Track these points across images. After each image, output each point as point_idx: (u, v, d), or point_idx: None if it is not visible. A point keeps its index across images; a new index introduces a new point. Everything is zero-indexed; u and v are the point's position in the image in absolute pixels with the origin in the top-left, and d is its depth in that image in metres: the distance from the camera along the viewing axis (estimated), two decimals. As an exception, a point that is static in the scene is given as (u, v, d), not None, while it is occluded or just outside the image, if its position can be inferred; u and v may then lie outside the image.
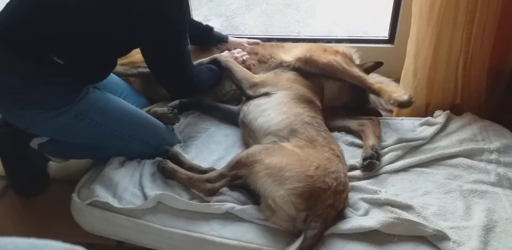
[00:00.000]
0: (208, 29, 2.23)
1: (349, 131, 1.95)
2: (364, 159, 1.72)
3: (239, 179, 1.54)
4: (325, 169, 1.48)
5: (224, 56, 2.04)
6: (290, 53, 2.06)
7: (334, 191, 1.45)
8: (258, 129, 1.74)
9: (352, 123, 1.95)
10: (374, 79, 1.98)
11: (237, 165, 1.53)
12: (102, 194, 1.61)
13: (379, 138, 1.84)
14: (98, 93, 1.73)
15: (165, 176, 1.68)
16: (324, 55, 1.99)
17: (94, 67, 1.70)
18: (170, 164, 1.68)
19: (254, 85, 1.91)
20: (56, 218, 1.72)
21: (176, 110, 1.98)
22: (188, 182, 1.62)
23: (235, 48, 2.18)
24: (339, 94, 2.05)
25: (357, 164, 1.75)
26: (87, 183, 1.71)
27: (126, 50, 1.81)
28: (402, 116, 2.06)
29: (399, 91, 1.83)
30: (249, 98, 1.88)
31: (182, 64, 1.76)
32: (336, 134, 1.92)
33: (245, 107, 1.88)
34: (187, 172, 1.65)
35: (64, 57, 1.57)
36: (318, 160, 1.51)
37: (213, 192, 1.57)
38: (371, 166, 1.70)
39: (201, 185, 1.58)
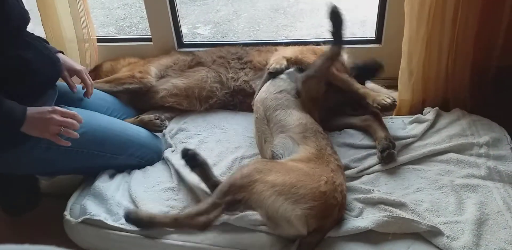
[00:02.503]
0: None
1: (354, 128, 1.97)
2: (382, 151, 1.74)
3: (237, 203, 1.40)
4: (333, 183, 1.46)
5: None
6: (281, 56, 2.08)
7: (341, 205, 1.46)
8: (274, 122, 1.71)
9: (356, 120, 1.97)
10: (359, 84, 1.98)
11: (231, 188, 1.40)
12: (95, 211, 1.60)
13: (386, 129, 1.86)
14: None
15: (141, 226, 1.51)
16: (314, 58, 2.00)
17: None
18: (142, 212, 1.52)
19: None
20: (48, 233, 1.67)
21: (163, 116, 1.99)
22: (175, 224, 1.47)
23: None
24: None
25: (351, 163, 1.77)
26: (78, 199, 1.70)
27: None
28: (401, 115, 2.08)
29: (382, 95, 1.85)
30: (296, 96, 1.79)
31: None
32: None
33: (271, 89, 1.81)
34: (167, 215, 1.51)
35: None
36: (325, 172, 1.48)
37: (209, 225, 1.41)
38: (390, 156, 1.72)
39: (192, 221, 1.41)
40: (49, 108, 1.54)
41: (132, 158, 1.78)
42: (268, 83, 1.90)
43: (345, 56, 2.13)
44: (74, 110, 1.62)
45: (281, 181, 1.38)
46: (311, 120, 1.74)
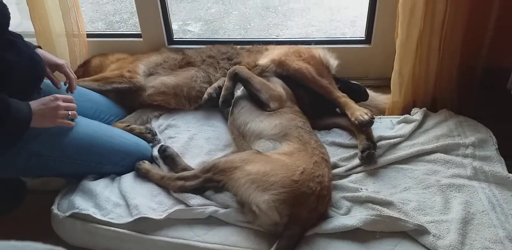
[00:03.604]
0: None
1: (340, 127, 1.98)
2: (362, 151, 1.75)
3: (214, 183, 1.56)
4: (311, 173, 1.49)
5: (241, 67, 1.96)
6: (268, 56, 2.08)
7: (318, 195, 1.47)
8: (249, 133, 1.76)
9: (341, 119, 1.97)
10: (340, 93, 1.98)
11: (213, 168, 1.55)
12: (83, 206, 1.59)
13: (370, 129, 1.87)
14: (49, 128, 1.59)
15: (140, 175, 1.73)
16: (297, 61, 2.02)
17: None
18: (144, 165, 1.74)
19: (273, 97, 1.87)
20: (35, 231, 1.65)
21: (154, 130, 1.96)
22: (160, 181, 1.67)
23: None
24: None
25: (340, 162, 1.78)
26: (67, 194, 1.69)
27: None
28: (394, 114, 2.10)
29: (362, 110, 1.86)
30: (267, 109, 1.83)
31: None
32: (316, 134, 1.94)
33: (236, 111, 1.88)
34: (159, 171, 1.72)
35: None
36: (305, 164, 1.52)
37: (183, 190, 1.60)
38: (370, 156, 1.74)
39: (172, 182, 1.63)
40: (50, 97, 1.57)
41: (117, 167, 1.76)
42: (231, 107, 1.93)
43: (331, 60, 2.14)
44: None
45: (256, 170, 1.47)
46: (288, 117, 1.77)
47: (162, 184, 1.66)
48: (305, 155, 1.58)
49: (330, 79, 2.03)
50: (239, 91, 1.97)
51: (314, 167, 1.53)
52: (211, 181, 1.56)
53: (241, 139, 1.79)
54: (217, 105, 1.95)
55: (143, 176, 1.72)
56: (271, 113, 1.80)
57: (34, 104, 1.53)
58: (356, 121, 1.82)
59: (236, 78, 1.92)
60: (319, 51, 2.14)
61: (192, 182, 1.59)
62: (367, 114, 1.83)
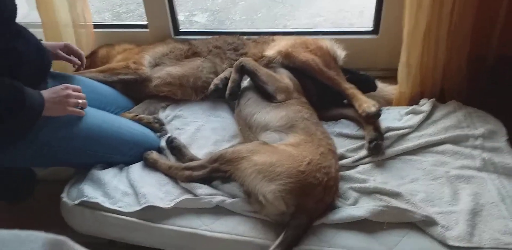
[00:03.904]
0: None
1: (347, 118, 1.97)
2: (370, 142, 1.75)
3: (221, 173, 1.56)
4: (317, 164, 1.50)
5: (248, 59, 1.96)
6: (274, 47, 2.07)
7: (325, 186, 1.47)
8: (255, 125, 1.76)
9: (349, 110, 1.96)
10: (348, 84, 1.97)
11: (220, 158, 1.56)
12: (92, 194, 1.61)
13: (378, 119, 1.86)
14: (58, 118, 1.61)
15: (148, 165, 1.74)
16: (304, 52, 2.01)
17: None
18: (152, 155, 1.75)
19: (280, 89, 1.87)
20: (45, 219, 1.66)
21: (162, 120, 1.97)
22: (167, 171, 1.68)
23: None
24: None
25: (347, 153, 1.77)
26: (76, 183, 1.71)
27: None
28: (401, 105, 2.08)
29: (369, 102, 1.85)
30: (274, 101, 1.83)
31: None
32: (323, 125, 1.93)
33: (242, 102, 1.88)
34: (167, 161, 1.73)
35: None
36: (311, 155, 1.52)
37: (191, 179, 1.61)
38: (378, 147, 1.73)
39: (179, 172, 1.64)
40: (61, 86, 1.60)
41: (126, 157, 1.77)
42: (239, 98, 1.93)
43: (338, 51, 2.12)
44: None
45: (262, 161, 1.48)
46: (295, 109, 1.76)
47: (170, 174, 1.67)
48: (312, 146, 1.58)
49: (337, 71, 2.01)
50: (246, 82, 1.97)
51: (321, 158, 1.53)
52: (218, 171, 1.57)
53: (248, 130, 1.80)
54: (223, 96, 1.95)
55: (151, 165, 1.73)
56: (277, 105, 1.80)
57: (45, 93, 1.55)
58: (363, 113, 1.82)
59: (243, 71, 1.92)
60: (326, 42, 2.13)
61: (199, 172, 1.60)
62: (374, 106, 1.82)
